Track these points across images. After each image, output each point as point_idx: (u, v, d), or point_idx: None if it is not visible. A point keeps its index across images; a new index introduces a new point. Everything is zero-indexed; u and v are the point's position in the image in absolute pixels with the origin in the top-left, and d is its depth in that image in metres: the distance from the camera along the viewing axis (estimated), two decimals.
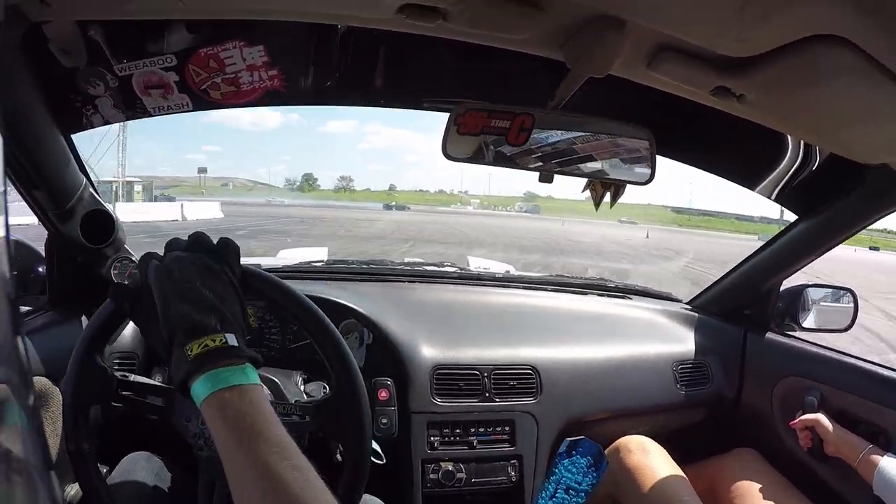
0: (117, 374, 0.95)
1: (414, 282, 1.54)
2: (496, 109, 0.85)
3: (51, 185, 0.99)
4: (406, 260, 1.75)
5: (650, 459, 1.17)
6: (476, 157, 0.86)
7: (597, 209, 0.96)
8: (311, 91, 1.02)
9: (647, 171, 0.92)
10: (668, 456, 1.20)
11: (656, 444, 1.21)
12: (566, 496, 0.92)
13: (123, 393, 0.77)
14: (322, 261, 1.65)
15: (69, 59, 0.89)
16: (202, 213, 24.04)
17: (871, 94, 0.73)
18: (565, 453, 0.94)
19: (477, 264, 1.75)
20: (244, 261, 0.65)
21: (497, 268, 1.75)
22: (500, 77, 0.98)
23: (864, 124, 0.88)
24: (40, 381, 1.05)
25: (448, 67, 1.00)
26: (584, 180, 0.93)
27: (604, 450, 1.12)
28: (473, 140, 0.85)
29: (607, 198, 0.93)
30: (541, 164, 0.87)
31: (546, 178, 0.89)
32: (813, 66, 0.69)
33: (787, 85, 0.77)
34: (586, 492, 0.91)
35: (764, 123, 0.96)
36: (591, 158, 0.89)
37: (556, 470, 0.93)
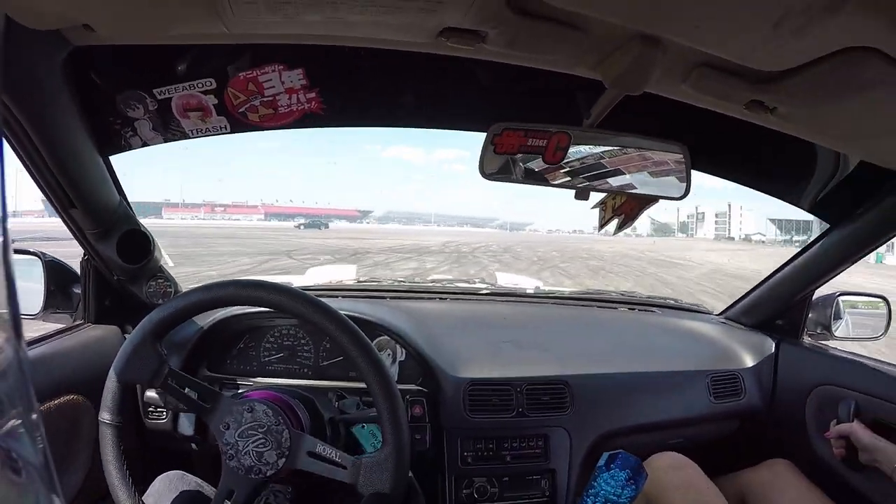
0: (149, 393, 1.01)
1: (445, 299, 1.57)
2: (533, 128, 0.89)
3: (88, 205, 1.02)
4: (434, 277, 1.78)
5: (683, 475, 1.18)
6: (512, 176, 0.90)
7: (599, 230, 1.00)
8: (348, 113, 1.06)
9: (683, 185, 0.96)
10: (700, 471, 1.21)
11: (688, 459, 1.22)
12: None
13: (170, 382, 0.83)
14: (353, 279, 1.69)
15: (110, 82, 0.94)
16: None
17: None
18: (604, 466, 0.96)
19: (506, 280, 1.79)
20: (277, 279, 0.71)
21: (526, 283, 1.78)
22: (537, 96, 1.02)
23: None
24: (72, 400, 1.10)
25: (484, 88, 1.03)
26: (596, 198, 0.98)
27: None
28: (510, 159, 0.89)
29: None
30: (577, 181, 0.91)
31: (582, 195, 0.93)
32: (847, 78, 0.71)
33: (821, 97, 0.79)
34: None
35: (797, 135, 0.98)
36: (626, 174, 0.93)
37: (595, 483, 0.95)
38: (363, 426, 1.03)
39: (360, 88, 1.02)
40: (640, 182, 0.94)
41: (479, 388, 1.22)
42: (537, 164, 0.90)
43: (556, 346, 1.39)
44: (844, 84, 0.74)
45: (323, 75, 0.96)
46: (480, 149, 0.89)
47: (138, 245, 1.13)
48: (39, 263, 1.11)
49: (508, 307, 1.60)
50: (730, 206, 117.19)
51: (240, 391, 0.96)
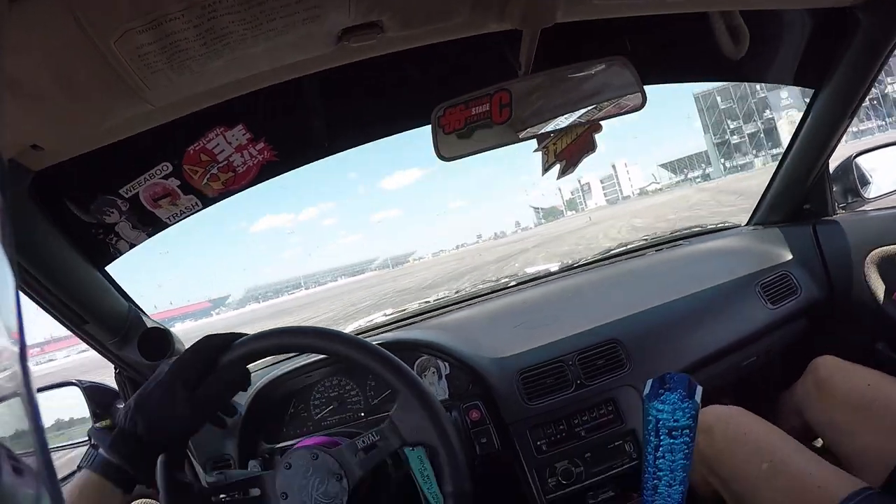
0: (210, 479, 1.02)
1: (474, 304, 1.57)
2: (471, 97, 0.90)
3: (99, 317, 1.06)
4: (458, 291, 1.77)
5: (733, 427, 1.05)
6: (471, 148, 0.92)
7: (542, 174, 0.99)
8: (300, 151, 1.08)
9: (638, 95, 0.95)
10: (747, 413, 1.09)
11: (734, 408, 1.11)
12: (671, 440, 0.86)
13: (221, 497, 0.83)
14: (383, 315, 1.69)
15: (79, 196, 1.00)
16: None
17: None
18: (651, 395, 0.90)
19: (534, 269, 1.77)
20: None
21: (554, 266, 1.76)
22: (468, 68, 1.03)
23: None
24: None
25: (418, 81, 1.06)
26: (535, 143, 0.97)
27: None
28: (462, 134, 0.91)
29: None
30: (534, 129, 0.92)
31: (541, 139, 0.93)
32: None
33: None
34: (690, 427, 0.84)
35: (732, 7, 0.98)
36: (581, 104, 0.93)
37: (649, 417, 0.87)
38: (413, 448, 1.03)
39: (301, 124, 1.05)
40: (600, 106, 0.94)
41: (531, 375, 1.20)
42: (489, 129, 0.91)
43: (596, 310, 1.35)
44: None
45: (262, 124, 0.99)
46: (431, 137, 0.91)
47: (158, 342, 1.16)
48: (78, 391, 1.16)
49: (539, 290, 1.58)
50: (614, 166, 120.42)
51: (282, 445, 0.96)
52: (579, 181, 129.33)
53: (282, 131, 1.02)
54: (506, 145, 0.93)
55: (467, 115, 0.91)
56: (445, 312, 1.55)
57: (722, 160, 65.82)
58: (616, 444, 1.17)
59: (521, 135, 0.92)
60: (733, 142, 62.96)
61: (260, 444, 1.24)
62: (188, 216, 1.06)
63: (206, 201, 1.05)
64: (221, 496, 1.08)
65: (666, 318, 1.31)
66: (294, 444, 1.16)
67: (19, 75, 0.64)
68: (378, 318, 1.65)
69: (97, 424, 0.75)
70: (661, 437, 0.81)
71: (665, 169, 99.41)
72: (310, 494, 0.81)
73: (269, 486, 0.83)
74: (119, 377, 1.18)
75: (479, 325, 1.41)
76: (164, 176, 1.01)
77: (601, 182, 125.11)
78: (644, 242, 1.76)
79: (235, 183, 1.04)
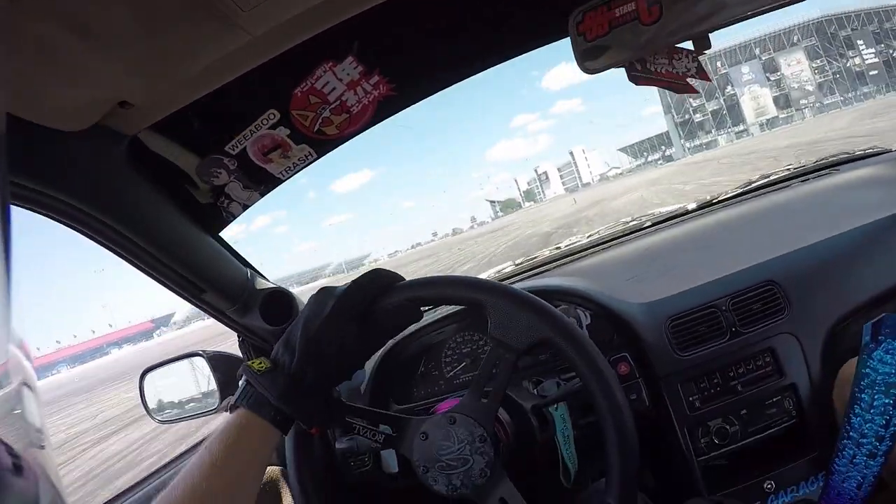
0: (340, 445, 0.99)
1: (610, 247, 1.48)
2: None
3: (217, 285, 1.02)
4: (589, 235, 1.67)
5: None
6: (619, 57, 0.80)
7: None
8: (420, 82, 0.97)
9: None
10: None
11: None
12: (887, 399, 0.69)
13: (351, 419, 0.77)
14: (513, 264, 1.62)
15: (181, 160, 0.94)
16: None
17: None
18: (871, 343, 0.70)
19: (670, 209, 1.64)
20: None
21: (692, 204, 1.61)
22: None
23: None
24: (272, 471, 1.14)
25: None
26: None
27: None
28: (606, 41, 0.80)
29: None
30: (690, 28, 0.79)
31: (702, 44, 0.80)
32: None
33: None
34: None
35: None
36: None
37: (866, 370, 0.70)
38: (556, 407, 0.96)
39: (419, 49, 0.92)
40: None
41: (682, 322, 1.10)
42: (638, 32, 0.79)
43: (746, 248, 1.22)
44: None
45: (374, 53, 0.88)
46: (572, 50, 0.80)
47: (281, 305, 1.11)
48: (203, 361, 1.14)
49: (679, 229, 1.46)
50: (572, 153, 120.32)
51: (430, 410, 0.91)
52: (536, 170, 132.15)
53: (397, 60, 0.90)
54: (658, 50, 0.81)
55: (611, 17, 0.79)
56: (580, 258, 1.46)
57: (683, 140, 68.47)
58: (774, 399, 1.06)
59: (677, 36, 0.80)
60: (696, 120, 65.71)
61: (391, 406, 1.21)
62: (302, 168, 0.98)
63: (320, 150, 0.97)
64: (351, 462, 1.07)
65: (824, 256, 1.16)
66: (427, 407, 1.13)
67: (89, 16, 0.56)
68: (507, 267, 1.58)
69: (256, 367, 0.71)
70: (877, 396, 0.69)
71: (625, 153, 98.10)
72: (451, 466, 0.73)
73: (406, 454, 0.76)
74: (243, 344, 1.16)
75: (619, 270, 1.31)
76: (271, 126, 0.92)
77: (559, 170, 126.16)
78: (788, 173, 1.59)
79: (351, 125, 0.94)
